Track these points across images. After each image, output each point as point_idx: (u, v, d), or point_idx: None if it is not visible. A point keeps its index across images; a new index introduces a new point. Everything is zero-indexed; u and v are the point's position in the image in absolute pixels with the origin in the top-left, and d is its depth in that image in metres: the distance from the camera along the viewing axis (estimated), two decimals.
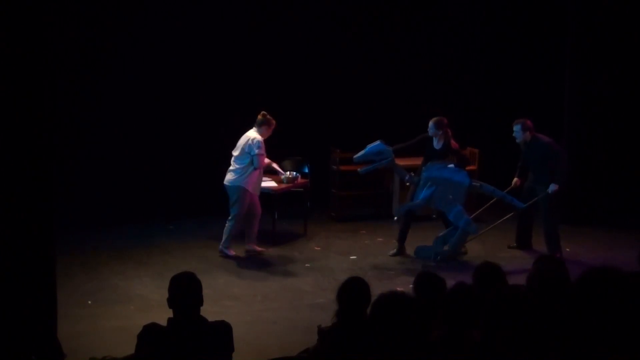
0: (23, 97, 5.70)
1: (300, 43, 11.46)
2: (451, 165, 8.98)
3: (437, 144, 9.05)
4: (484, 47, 12.39)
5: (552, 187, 8.84)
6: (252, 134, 8.83)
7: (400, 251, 9.29)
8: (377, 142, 8.78)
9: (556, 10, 11.33)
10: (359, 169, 9.08)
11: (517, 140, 8.99)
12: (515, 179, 9.30)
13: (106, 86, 10.36)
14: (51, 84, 6.02)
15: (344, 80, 11.71)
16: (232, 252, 8.99)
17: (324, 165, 10.98)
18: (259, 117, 8.87)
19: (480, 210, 9.64)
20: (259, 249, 9.17)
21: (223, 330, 4.34)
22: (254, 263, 8.94)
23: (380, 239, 9.96)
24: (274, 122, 8.89)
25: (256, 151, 8.69)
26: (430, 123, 8.99)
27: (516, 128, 8.89)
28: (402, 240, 9.30)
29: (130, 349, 4.34)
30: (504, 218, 9.40)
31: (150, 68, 10.55)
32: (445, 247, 9.07)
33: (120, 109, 10.48)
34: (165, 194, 10.62)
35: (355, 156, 8.91)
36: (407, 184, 9.32)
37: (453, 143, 9.07)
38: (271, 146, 8.89)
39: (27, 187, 5.76)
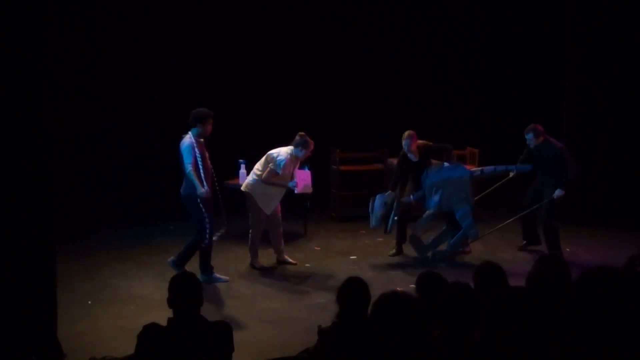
0: (23, 97, 5.70)
1: (300, 43, 11.47)
2: (446, 164, 8.96)
3: (414, 158, 9.01)
4: (484, 47, 12.40)
5: (558, 192, 8.81)
6: (284, 151, 8.51)
7: (400, 251, 9.29)
8: (377, 197, 8.91)
9: (556, 10, 11.34)
10: (372, 225, 9.12)
11: (531, 147, 8.97)
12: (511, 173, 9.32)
13: (106, 86, 10.36)
14: (51, 84, 6.02)
15: (344, 80, 11.72)
16: (257, 264, 8.74)
17: (324, 165, 10.97)
18: (297, 137, 8.50)
19: (477, 197, 9.54)
20: (292, 260, 8.94)
21: (223, 330, 4.34)
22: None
23: (380, 239, 9.95)
24: (311, 143, 8.50)
25: (271, 165, 8.43)
26: (404, 141, 8.90)
27: (528, 137, 8.84)
28: (401, 241, 9.29)
29: (130, 349, 4.34)
30: (505, 223, 9.39)
31: (150, 68, 10.56)
32: (443, 247, 9.08)
33: (121, 108, 10.49)
34: (165, 194, 10.61)
35: (372, 225, 9.04)
36: (414, 202, 9.23)
37: (422, 145, 8.97)
38: (272, 146, 8.87)
39: (27, 187, 5.76)
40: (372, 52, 11.97)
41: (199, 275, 7.87)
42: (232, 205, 9.02)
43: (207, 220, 7.92)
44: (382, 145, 10.90)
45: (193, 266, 8.08)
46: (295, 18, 11.38)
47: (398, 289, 6.33)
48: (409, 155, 9.00)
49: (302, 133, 8.53)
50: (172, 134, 10.67)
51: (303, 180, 8.72)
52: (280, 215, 8.79)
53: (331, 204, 11.15)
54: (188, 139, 7.90)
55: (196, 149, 7.85)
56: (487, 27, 12.27)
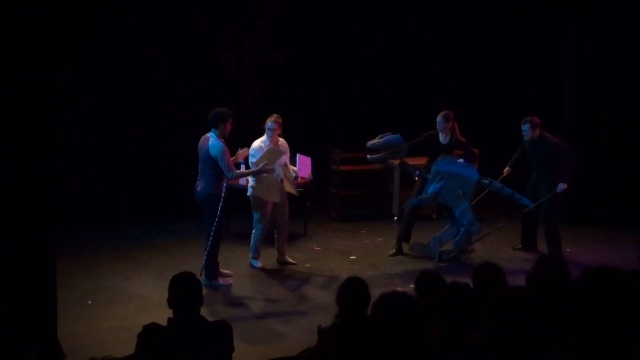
0: (23, 97, 5.70)
1: (300, 43, 11.47)
2: (461, 160, 8.99)
3: (444, 139, 9.03)
4: (485, 47, 12.40)
5: (561, 187, 8.77)
6: (255, 143, 8.51)
7: (400, 251, 9.29)
8: (397, 135, 8.77)
9: (556, 10, 11.33)
10: (368, 156, 8.97)
11: (526, 139, 8.97)
12: (507, 168, 9.33)
13: (107, 86, 10.36)
14: (51, 84, 6.01)
15: (344, 80, 11.72)
16: (258, 264, 8.75)
17: (324, 165, 10.97)
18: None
19: (474, 202, 9.56)
20: (292, 261, 8.94)
21: (223, 330, 4.34)
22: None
23: (380, 239, 9.97)
24: (275, 119, 8.49)
25: (252, 159, 8.40)
26: (439, 117, 8.97)
27: (525, 127, 8.84)
28: (401, 240, 9.30)
29: (130, 349, 4.34)
30: (508, 222, 9.39)
31: (150, 68, 10.56)
32: (446, 247, 9.08)
33: (121, 108, 10.49)
34: (165, 194, 10.62)
35: (370, 143, 8.72)
36: (416, 178, 9.29)
37: (460, 137, 9.06)
38: None
39: (26, 187, 5.76)
40: (372, 52, 11.97)
41: (200, 277, 7.94)
42: (232, 205, 9.03)
43: (218, 220, 7.91)
44: None
45: (193, 266, 8.07)
46: (295, 18, 11.38)
47: (398, 289, 6.34)
48: (440, 134, 9.02)
49: (275, 115, 8.55)
50: (172, 134, 10.72)
51: (304, 165, 8.77)
52: (287, 217, 8.81)
53: (331, 204, 11.16)
54: (214, 140, 7.83)
55: (228, 151, 7.84)
56: (487, 27, 12.28)
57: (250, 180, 8.63)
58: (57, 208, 6.18)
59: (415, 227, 9.40)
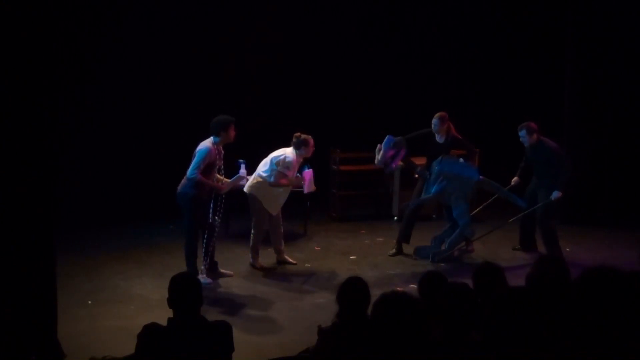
0: (24, 97, 5.70)
1: (300, 43, 11.48)
2: (462, 160, 9.01)
3: (440, 139, 9.03)
4: (485, 48, 12.41)
5: (556, 194, 8.77)
6: (289, 151, 8.46)
7: (400, 251, 9.29)
8: (387, 137, 8.81)
9: (556, 10, 11.34)
10: (385, 171, 9.17)
11: (525, 145, 8.97)
12: (515, 178, 9.32)
13: (107, 86, 10.37)
14: (52, 84, 6.01)
15: (344, 80, 11.72)
16: (258, 264, 8.73)
17: (324, 165, 10.97)
18: (294, 139, 8.47)
19: (479, 209, 9.62)
20: (292, 260, 8.92)
21: (223, 330, 4.34)
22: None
23: (380, 239, 9.96)
24: (310, 139, 8.48)
25: (279, 168, 8.38)
26: (434, 119, 8.96)
27: (522, 133, 8.84)
28: (401, 240, 9.30)
29: (130, 349, 4.34)
30: (505, 223, 9.39)
31: (150, 68, 10.57)
32: (443, 246, 9.09)
33: (121, 109, 10.50)
34: (165, 194, 10.62)
35: (377, 161, 8.87)
36: (417, 176, 9.30)
37: (456, 134, 9.05)
38: (272, 146, 8.88)
39: (27, 187, 5.76)
40: (372, 52, 11.98)
41: (200, 276, 7.96)
42: (232, 205, 9.04)
43: (194, 221, 8.01)
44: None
45: (187, 263, 8.08)
46: (295, 18, 11.39)
47: (398, 289, 6.33)
48: (436, 135, 9.02)
49: (298, 134, 8.52)
50: (172, 134, 10.72)
51: (309, 180, 8.76)
52: (280, 215, 8.80)
53: (331, 204, 11.16)
54: (207, 143, 7.92)
55: (210, 157, 7.87)
56: (487, 27, 12.29)
57: (254, 180, 8.60)
58: (57, 208, 6.18)
59: (415, 227, 9.40)
